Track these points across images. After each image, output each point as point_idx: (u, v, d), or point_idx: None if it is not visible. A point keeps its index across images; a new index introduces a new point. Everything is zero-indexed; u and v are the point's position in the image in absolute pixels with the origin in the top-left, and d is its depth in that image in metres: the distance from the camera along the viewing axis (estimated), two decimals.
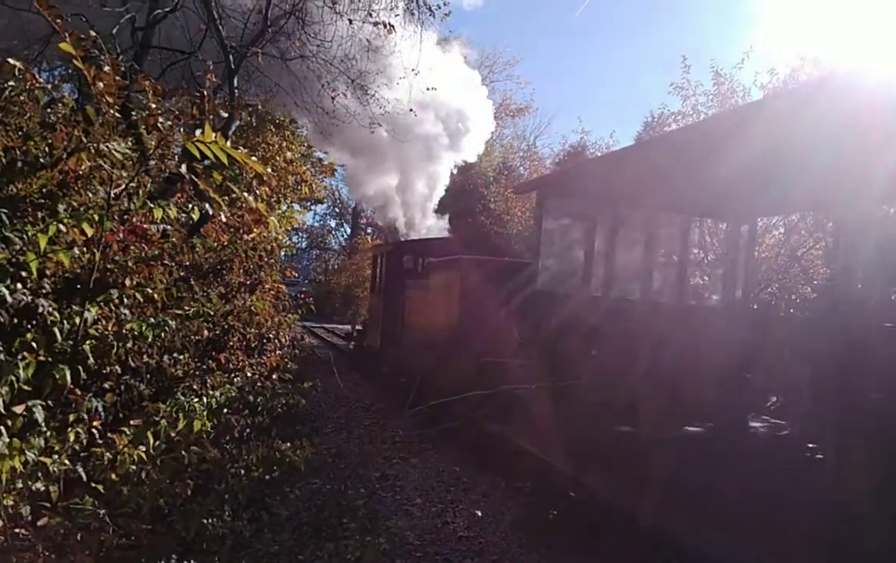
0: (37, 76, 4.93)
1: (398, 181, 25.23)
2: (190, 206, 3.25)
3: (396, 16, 14.04)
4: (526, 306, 8.49)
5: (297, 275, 15.98)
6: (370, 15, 13.63)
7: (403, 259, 15.07)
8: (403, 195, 25.08)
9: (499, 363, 8.67)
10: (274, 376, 6.30)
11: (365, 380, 15.08)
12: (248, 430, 4.50)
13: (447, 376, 9.81)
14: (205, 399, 3.20)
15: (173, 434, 2.98)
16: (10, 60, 4.51)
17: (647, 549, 4.82)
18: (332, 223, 43.26)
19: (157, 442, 2.95)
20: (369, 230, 39.03)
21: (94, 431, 2.89)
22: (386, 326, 14.75)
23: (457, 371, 9.58)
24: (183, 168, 3.96)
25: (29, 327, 3.24)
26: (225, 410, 3.27)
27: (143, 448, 2.88)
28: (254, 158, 3.43)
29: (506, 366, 8.51)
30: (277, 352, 7.03)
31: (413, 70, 14.26)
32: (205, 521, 2.94)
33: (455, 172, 31.99)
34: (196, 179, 3.64)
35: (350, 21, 13.59)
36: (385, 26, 13.80)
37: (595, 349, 7.45)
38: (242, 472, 3.77)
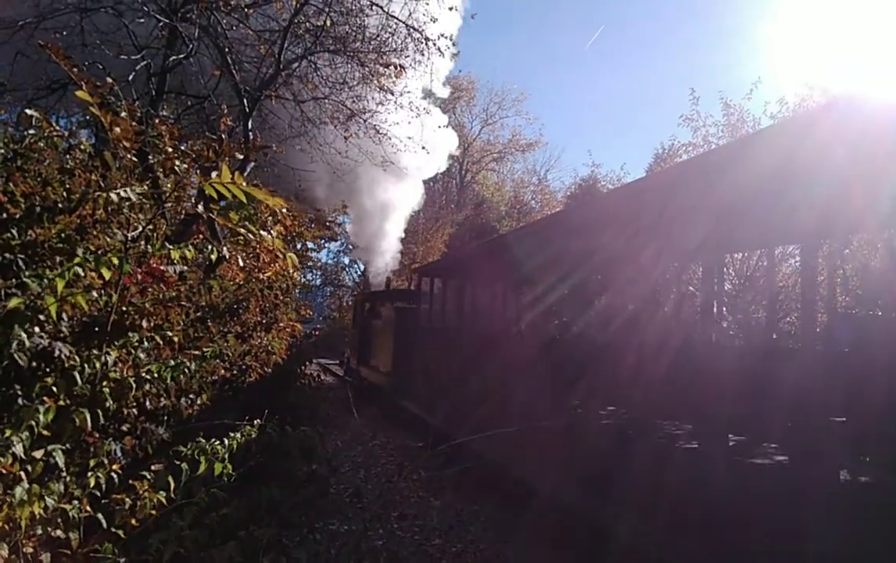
0: (54, 125, 5.01)
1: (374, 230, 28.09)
2: (210, 247, 3.26)
3: (407, 57, 14.22)
4: (418, 336, 14.07)
5: (311, 313, 16.61)
6: (381, 57, 13.82)
7: (368, 305, 20.54)
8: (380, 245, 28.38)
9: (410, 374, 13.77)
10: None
11: (381, 417, 15.00)
12: (266, 470, 4.46)
13: (394, 385, 14.98)
14: (226, 442, 3.16)
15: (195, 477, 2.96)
16: (28, 111, 4.59)
17: None
18: (346, 260, 43.31)
19: (178, 486, 2.90)
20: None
21: (113, 475, 2.85)
22: (360, 352, 20.28)
23: (394, 380, 15.00)
24: (200, 207, 3.98)
25: (48, 370, 3.23)
26: (245, 452, 3.25)
27: (164, 493, 2.84)
28: (271, 196, 3.43)
29: (414, 377, 13.63)
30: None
31: (424, 109, 14.41)
32: None
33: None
34: (213, 220, 3.65)
35: (361, 63, 13.79)
36: (396, 67, 13.99)
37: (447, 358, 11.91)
38: (261, 513, 3.72)
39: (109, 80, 5.18)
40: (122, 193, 3.46)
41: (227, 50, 11.92)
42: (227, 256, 3.76)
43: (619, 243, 7.34)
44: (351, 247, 39.66)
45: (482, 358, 9.94)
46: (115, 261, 3.06)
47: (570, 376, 7.44)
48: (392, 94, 14.11)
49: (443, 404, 10.39)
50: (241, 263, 4.20)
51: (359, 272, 41.73)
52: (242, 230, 3.93)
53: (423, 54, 13.78)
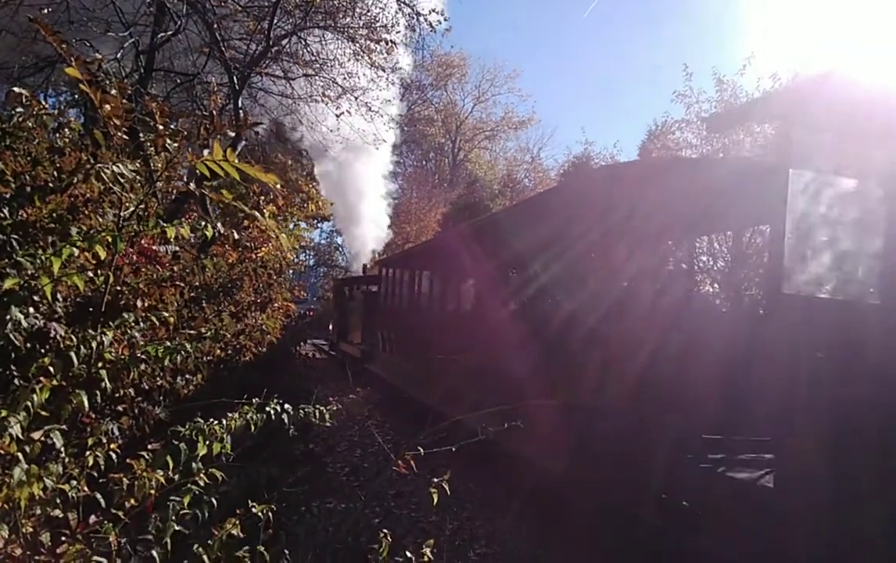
0: (43, 103, 4.94)
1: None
2: (203, 223, 3.22)
3: (398, 33, 14.07)
4: (380, 315, 16.86)
5: (305, 294, 16.87)
6: (372, 32, 13.68)
7: (347, 288, 24.57)
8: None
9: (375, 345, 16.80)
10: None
11: (376, 395, 15.05)
12: (263, 449, 4.47)
13: (363, 354, 18.38)
14: (224, 422, 3.15)
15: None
16: (16, 89, 4.52)
17: None
18: (339, 240, 43.18)
19: (177, 466, 2.90)
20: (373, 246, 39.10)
21: (112, 455, 2.84)
22: (339, 329, 24.24)
23: (363, 350, 18.52)
24: (192, 186, 3.94)
25: (43, 351, 3.21)
26: (243, 431, 3.24)
27: (162, 473, 2.83)
28: (263, 172, 3.39)
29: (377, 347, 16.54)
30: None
31: (416, 86, 14.33)
32: (227, 542, 2.89)
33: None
34: (206, 198, 3.61)
35: (352, 39, 13.65)
36: (387, 43, 13.86)
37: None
38: (260, 491, 3.73)
39: (98, 56, 5.11)
40: (117, 168, 3.42)
41: (215, 26, 11.76)
42: (222, 232, 3.73)
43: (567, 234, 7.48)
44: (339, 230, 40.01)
45: (425, 332, 12.65)
46: (111, 240, 3.02)
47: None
48: (383, 70, 13.98)
49: (395, 366, 14.42)
50: (237, 236, 4.16)
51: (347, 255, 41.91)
52: (236, 205, 3.88)
53: (414, 30, 13.66)
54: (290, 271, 12.99)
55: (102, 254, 3.02)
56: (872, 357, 4.18)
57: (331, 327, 27.95)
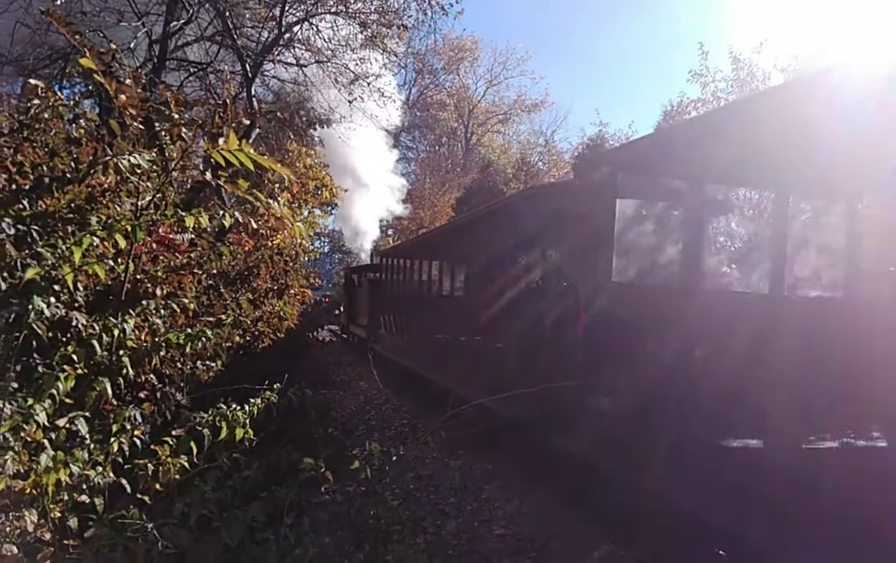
0: (59, 94, 4.96)
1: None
2: (221, 213, 3.23)
3: (410, 17, 13.98)
4: (383, 300, 18.61)
5: (320, 281, 17.10)
6: (383, 17, 13.61)
7: (355, 276, 26.67)
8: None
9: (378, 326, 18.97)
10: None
11: (393, 380, 15.10)
12: (284, 433, 4.51)
13: (368, 334, 20.56)
14: (247, 407, 3.18)
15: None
16: (32, 81, 4.54)
17: None
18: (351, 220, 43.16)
19: (201, 452, 2.93)
20: (390, 232, 39.11)
21: (136, 441, 2.88)
22: (349, 313, 27.14)
23: (368, 331, 20.66)
24: (208, 175, 3.94)
25: (65, 339, 3.24)
26: (265, 416, 3.27)
27: (186, 458, 2.87)
28: (279, 165, 3.40)
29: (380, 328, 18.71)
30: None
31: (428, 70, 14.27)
32: (252, 525, 2.92)
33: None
34: (221, 187, 3.62)
35: (363, 25, 13.59)
36: (398, 27, 13.79)
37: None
38: (282, 475, 3.76)
39: (113, 45, 5.12)
40: (133, 160, 3.43)
41: (227, 14, 11.75)
42: (240, 220, 3.74)
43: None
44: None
45: (420, 314, 14.24)
46: (130, 228, 3.05)
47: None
48: (396, 55, 13.92)
49: (392, 343, 16.46)
50: (255, 225, 4.18)
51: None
52: (251, 197, 3.89)
53: (425, 13, 13.57)
54: (306, 258, 13.05)
55: (122, 243, 3.04)
56: (672, 324, 5.73)
57: (341, 310, 31.14)
